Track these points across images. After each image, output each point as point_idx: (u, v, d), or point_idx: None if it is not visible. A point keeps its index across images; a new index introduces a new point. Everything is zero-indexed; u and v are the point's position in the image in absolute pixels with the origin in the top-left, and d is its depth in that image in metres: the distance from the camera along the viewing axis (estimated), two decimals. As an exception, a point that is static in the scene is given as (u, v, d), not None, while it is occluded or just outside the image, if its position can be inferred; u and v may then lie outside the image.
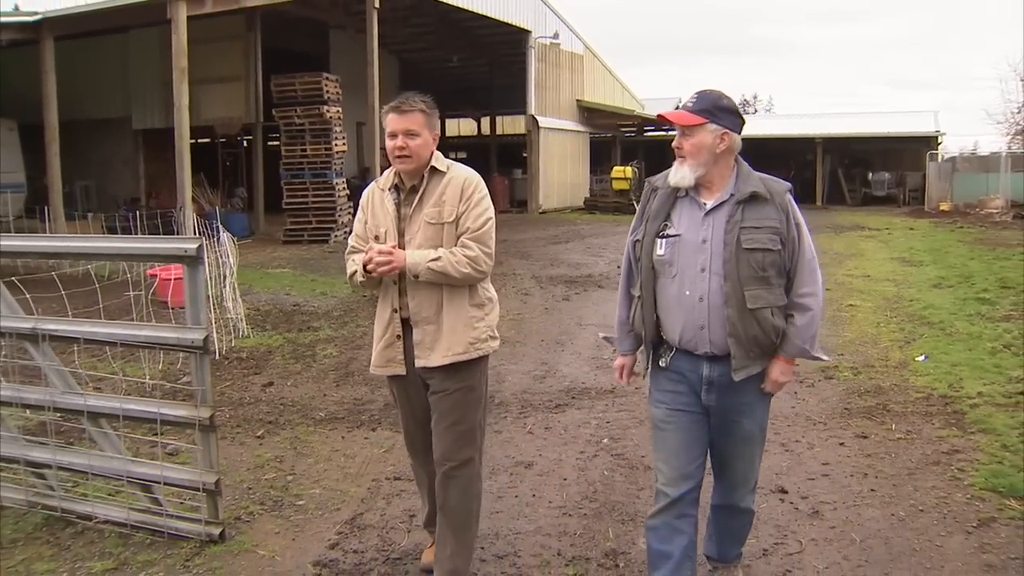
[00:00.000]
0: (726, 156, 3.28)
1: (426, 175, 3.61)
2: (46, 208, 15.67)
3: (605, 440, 5.78)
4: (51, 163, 16.06)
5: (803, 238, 3.26)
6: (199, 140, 24.98)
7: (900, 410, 6.28)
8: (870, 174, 36.98)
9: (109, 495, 4.74)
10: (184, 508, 4.51)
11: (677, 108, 3.32)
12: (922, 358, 7.78)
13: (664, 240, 3.30)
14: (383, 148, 3.63)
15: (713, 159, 3.25)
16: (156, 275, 10.67)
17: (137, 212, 15.67)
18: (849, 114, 39.10)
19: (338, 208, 19.08)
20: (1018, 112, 26.91)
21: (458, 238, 3.56)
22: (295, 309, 11.11)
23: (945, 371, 7.29)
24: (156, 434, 4.79)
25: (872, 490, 4.81)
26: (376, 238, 3.65)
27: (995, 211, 27.38)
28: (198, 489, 4.30)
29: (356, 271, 3.66)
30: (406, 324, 3.66)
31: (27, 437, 4.91)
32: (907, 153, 35.96)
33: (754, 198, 3.22)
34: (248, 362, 8.23)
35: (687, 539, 3.36)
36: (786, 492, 4.79)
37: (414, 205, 3.60)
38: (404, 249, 3.56)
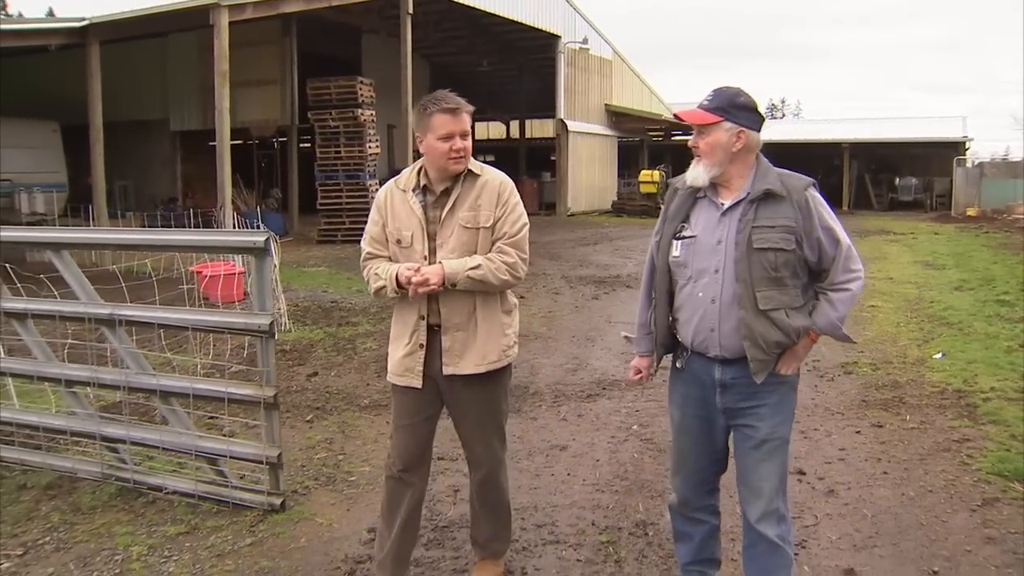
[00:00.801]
0: (744, 155, 3.20)
1: (462, 177, 3.52)
2: (90, 207, 16.24)
3: (634, 426, 6.13)
4: (95, 163, 16.66)
5: (829, 232, 3.15)
6: (235, 141, 25.57)
7: (915, 402, 6.59)
8: (897, 179, 37.08)
9: (175, 469, 5.14)
10: (246, 481, 4.92)
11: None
12: (939, 355, 8.08)
13: (680, 241, 3.28)
14: (416, 150, 3.56)
15: (729, 158, 3.18)
16: (200, 271, 11.10)
17: (181, 210, 16.19)
18: (876, 119, 39.27)
19: (371, 209, 19.41)
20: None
21: (493, 243, 3.49)
22: (333, 305, 11.53)
23: (961, 367, 7.60)
24: (211, 415, 5.21)
25: (885, 473, 5.15)
26: (399, 242, 3.54)
27: (1022, 217, 27.40)
28: (262, 462, 4.70)
29: (384, 287, 3.50)
30: (431, 331, 3.55)
31: (102, 415, 5.35)
32: (935, 158, 36.00)
33: (768, 196, 3.14)
34: (292, 354, 8.64)
35: (708, 527, 3.49)
36: (804, 473, 5.13)
37: (447, 208, 3.49)
38: (435, 253, 3.48)
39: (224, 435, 5.38)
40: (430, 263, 3.46)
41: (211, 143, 26.23)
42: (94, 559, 4.15)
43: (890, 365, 7.78)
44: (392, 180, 3.70)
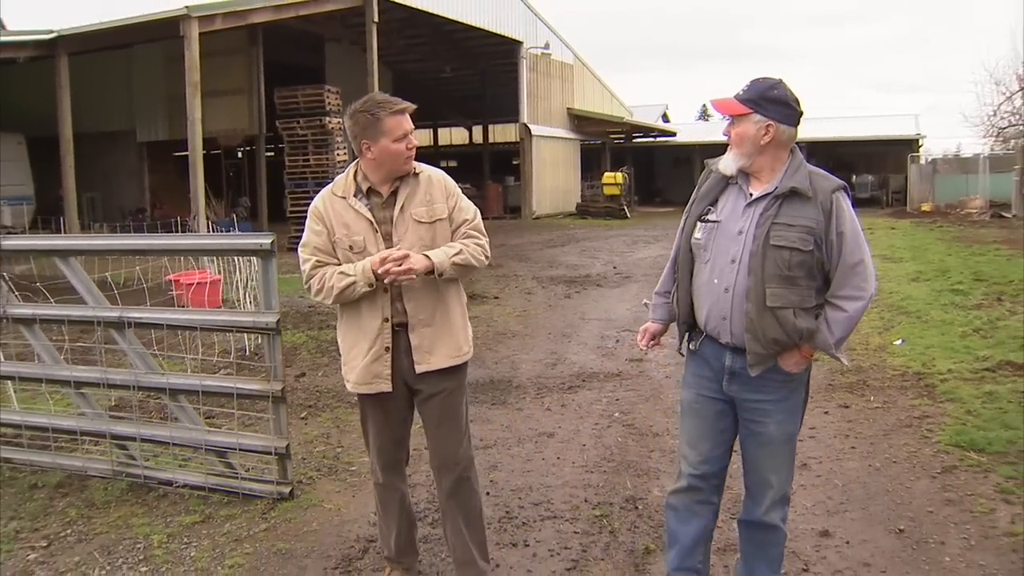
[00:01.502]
0: (774, 148, 3.19)
1: (408, 175, 3.55)
2: (61, 219, 16.29)
3: (616, 414, 6.47)
4: (66, 175, 16.73)
5: (846, 241, 3.11)
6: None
7: (878, 385, 7.01)
8: (854, 176, 37.87)
9: (182, 464, 5.38)
10: (254, 472, 5.17)
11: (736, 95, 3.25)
12: (899, 342, 8.52)
13: (704, 224, 3.29)
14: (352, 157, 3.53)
15: (758, 150, 3.17)
16: (177, 280, 11.26)
17: (150, 221, 16.26)
18: (833, 118, 40.01)
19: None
20: (993, 115, 27.72)
21: (454, 232, 3.57)
22: (311, 310, 11.73)
23: (919, 352, 8.04)
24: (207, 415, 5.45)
25: (852, 447, 5.53)
26: (350, 248, 3.49)
27: (974, 211, 28.24)
28: (271, 453, 4.95)
29: (355, 282, 3.43)
30: (394, 331, 3.53)
31: (111, 413, 5.57)
32: (890, 156, 36.91)
33: (794, 194, 3.13)
34: (265, 368, 8.86)
35: (704, 523, 3.48)
36: (778, 451, 5.49)
37: (398, 207, 3.51)
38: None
39: (228, 430, 5.62)
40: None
41: (176, 153, 26.39)
42: (116, 547, 4.39)
43: (854, 352, 8.19)
44: (325, 189, 3.64)
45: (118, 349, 5.30)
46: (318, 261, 3.53)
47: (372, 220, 3.49)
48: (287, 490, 4.96)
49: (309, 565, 4.15)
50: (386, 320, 3.50)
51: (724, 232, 3.23)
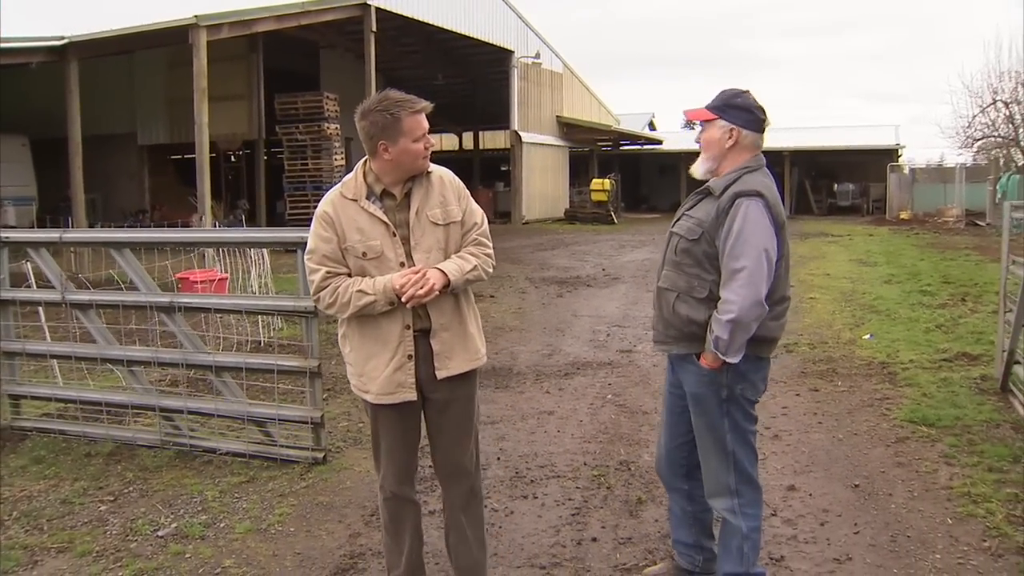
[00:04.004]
0: (736, 152, 3.39)
1: (421, 175, 3.45)
2: (69, 218, 16.84)
3: (609, 396, 7.16)
4: (74, 176, 17.26)
5: (732, 243, 3.25)
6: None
7: (846, 372, 7.74)
8: (835, 185, 38.82)
9: (222, 434, 6.02)
10: (289, 440, 5.81)
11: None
12: (868, 336, 9.26)
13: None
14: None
15: (723, 153, 3.39)
16: (185, 278, 11.82)
17: (150, 222, 16.82)
18: (816, 128, 40.94)
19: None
20: (968, 127, 28.58)
21: (464, 235, 3.49)
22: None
23: (886, 345, 8.79)
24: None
25: (819, 423, 6.25)
26: (364, 254, 3.35)
27: (951, 220, 29.09)
28: (307, 422, 5.61)
29: (375, 302, 3.30)
30: (416, 339, 3.41)
31: (160, 388, 6.21)
32: (871, 165, 37.68)
33: (708, 192, 3.41)
34: (290, 348, 9.48)
35: (679, 507, 3.78)
36: (753, 425, 6.20)
37: (414, 209, 3.39)
38: (410, 256, 3.38)
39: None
40: (406, 268, 3.34)
41: (173, 156, 26.94)
42: (176, 501, 5.02)
43: (826, 345, 8.92)
44: (333, 192, 3.49)
45: (147, 331, 5.91)
46: (328, 272, 3.37)
47: (388, 223, 3.36)
48: (321, 455, 5.61)
49: (349, 513, 4.80)
50: (407, 327, 3.37)
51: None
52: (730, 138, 3.37)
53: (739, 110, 3.39)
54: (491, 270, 3.54)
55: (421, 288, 3.21)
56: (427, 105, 3.38)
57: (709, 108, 3.43)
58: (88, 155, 17.64)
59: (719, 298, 3.28)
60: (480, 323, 3.66)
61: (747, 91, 3.44)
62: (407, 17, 23.64)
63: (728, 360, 3.27)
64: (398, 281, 3.23)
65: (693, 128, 3.91)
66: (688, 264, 3.35)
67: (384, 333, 3.39)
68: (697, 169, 3.48)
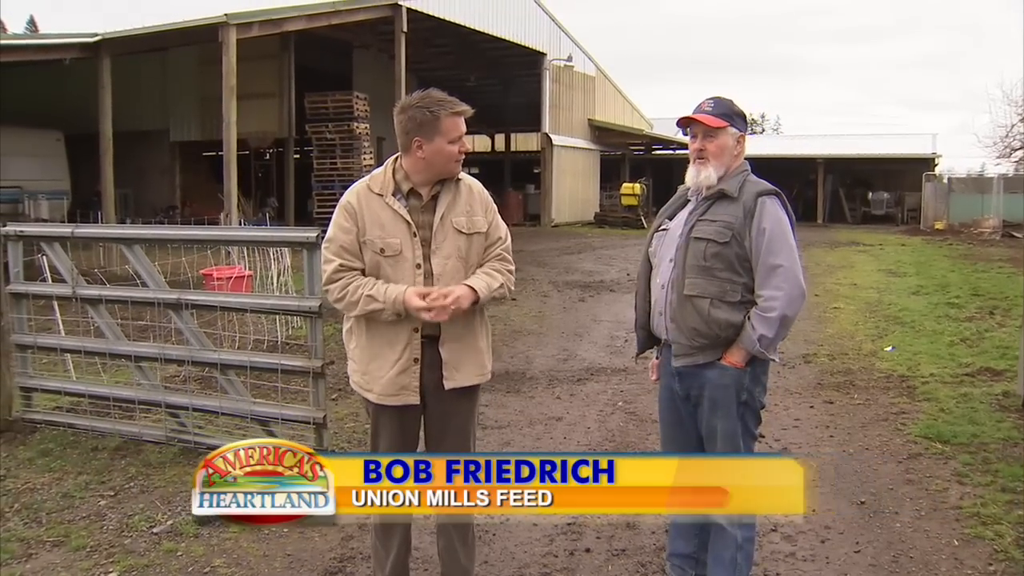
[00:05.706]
0: (738, 157, 3.48)
1: (451, 180, 3.42)
2: (99, 213, 17.02)
3: (620, 403, 7.08)
4: (104, 172, 17.46)
5: (767, 239, 3.28)
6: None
7: (863, 385, 7.61)
8: (870, 193, 38.29)
9: (227, 432, 6.01)
10: (293, 440, 5.79)
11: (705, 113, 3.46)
12: (890, 348, 9.09)
13: (656, 234, 3.57)
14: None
15: (731, 160, 3.44)
16: (209, 275, 11.88)
17: (180, 218, 16.94)
18: (851, 135, 40.57)
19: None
20: (1006, 136, 27.99)
21: (487, 248, 3.45)
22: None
23: (907, 357, 8.63)
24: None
25: (831, 436, 6.14)
26: (382, 251, 3.32)
27: (987, 230, 28.63)
28: (309, 423, 5.59)
29: (382, 310, 3.25)
30: (423, 344, 3.38)
31: (166, 385, 6.22)
32: (907, 174, 37.16)
33: (722, 195, 3.38)
34: (307, 347, 9.49)
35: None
36: (763, 437, 6.04)
37: (439, 213, 3.35)
38: (429, 260, 3.34)
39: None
40: (423, 271, 3.32)
41: (205, 153, 27.15)
42: (175, 498, 5.02)
43: (846, 356, 8.78)
44: (360, 183, 3.47)
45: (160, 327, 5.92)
46: (342, 264, 3.33)
47: (411, 223, 3.32)
48: (323, 456, 5.58)
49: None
50: (415, 330, 3.34)
51: (670, 237, 3.50)
52: (739, 145, 3.48)
53: (741, 118, 3.53)
54: (513, 287, 3.52)
55: (445, 298, 3.18)
56: (467, 109, 3.38)
57: (716, 115, 3.45)
58: (120, 151, 17.85)
59: (747, 300, 3.32)
60: (490, 339, 3.62)
61: (733, 98, 3.55)
62: (440, 19, 23.68)
63: (770, 358, 3.37)
64: (415, 301, 3.18)
65: (687, 134, 3.86)
66: (719, 268, 3.32)
67: (391, 334, 3.34)
68: (710, 177, 3.43)
